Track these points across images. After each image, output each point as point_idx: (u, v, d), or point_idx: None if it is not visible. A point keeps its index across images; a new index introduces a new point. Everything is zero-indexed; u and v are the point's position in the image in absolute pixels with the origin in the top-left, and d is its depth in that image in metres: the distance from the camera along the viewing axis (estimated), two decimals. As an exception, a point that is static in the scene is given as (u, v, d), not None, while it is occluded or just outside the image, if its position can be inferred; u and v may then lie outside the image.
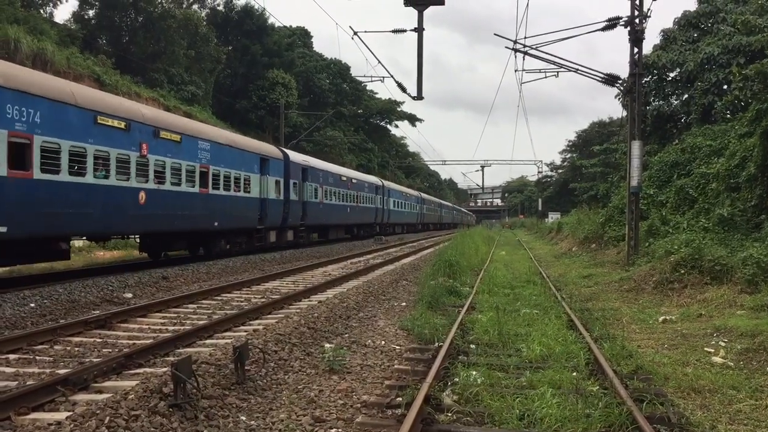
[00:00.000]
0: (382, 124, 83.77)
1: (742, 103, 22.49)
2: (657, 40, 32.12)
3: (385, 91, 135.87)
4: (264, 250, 24.64)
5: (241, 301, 12.57)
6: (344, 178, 35.45)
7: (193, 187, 18.66)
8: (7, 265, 14.98)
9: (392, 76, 21.56)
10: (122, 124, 15.25)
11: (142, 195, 16.08)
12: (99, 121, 14.41)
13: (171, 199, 17.47)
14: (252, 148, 23.61)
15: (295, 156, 28.36)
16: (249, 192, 22.52)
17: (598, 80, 21.15)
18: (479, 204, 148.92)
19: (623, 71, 22.11)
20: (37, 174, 12.53)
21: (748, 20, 22.03)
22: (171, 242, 19.87)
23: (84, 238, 17.93)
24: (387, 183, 48.31)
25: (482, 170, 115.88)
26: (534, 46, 20.95)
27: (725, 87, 25.76)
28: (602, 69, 20.36)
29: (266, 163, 24.14)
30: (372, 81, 30.37)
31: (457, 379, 6.90)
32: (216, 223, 20.15)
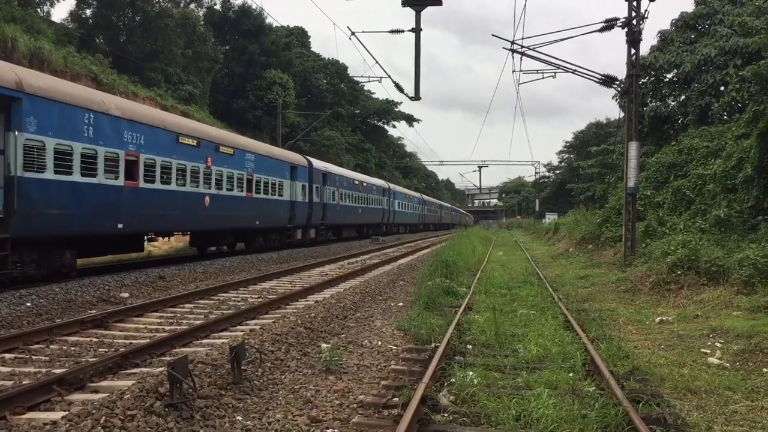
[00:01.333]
0: (380, 124, 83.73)
1: (739, 105, 22.56)
2: (654, 42, 32.19)
3: (382, 91, 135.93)
4: (291, 246, 27.99)
5: (238, 301, 12.56)
6: (356, 182, 38.94)
7: (242, 192, 22.25)
8: (116, 253, 18.54)
9: (390, 77, 21.68)
10: (194, 142, 18.90)
11: (207, 199, 19.63)
12: (180, 141, 18.06)
13: (227, 202, 20.99)
14: (284, 158, 27.29)
15: (317, 163, 31.73)
16: (282, 195, 26.23)
17: (595, 81, 21.19)
18: (477, 204, 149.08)
19: (618, 72, 22.26)
20: (141, 183, 16.11)
21: (745, 22, 22.05)
22: (223, 238, 23.24)
23: (165, 233, 20.61)
24: (392, 186, 51.53)
25: (479, 171, 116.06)
26: (532, 47, 20.99)
27: (722, 88, 25.81)
28: (597, 70, 20.43)
29: (295, 170, 27.76)
30: (369, 81, 31.01)
31: (453, 380, 6.90)
32: (257, 222, 23.80)
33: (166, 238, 23.19)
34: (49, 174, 12.94)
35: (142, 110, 17.46)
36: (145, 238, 18.84)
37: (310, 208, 29.71)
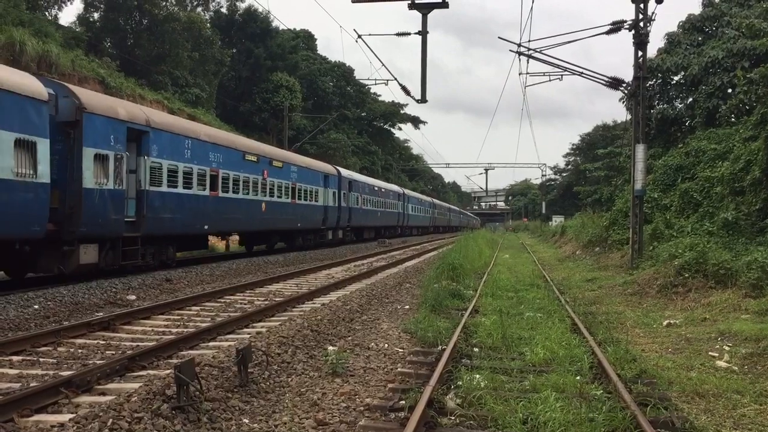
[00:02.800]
0: (386, 126, 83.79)
1: (747, 107, 22.45)
2: (661, 44, 32.10)
3: (388, 93, 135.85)
4: (323, 245, 32.04)
5: (245, 304, 12.58)
6: (376, 188, 42.91)
7: (288, 198, 26.44)
8: (196, 249, 23.22)
9: (396, 79, 21.62)
10: (255, 159, 23.01)
11: (263, 205, 23.63)
12: (245, 158, 22.20)
13: (277, 208, 25.09)
14: (319, 168, 31.54)
15: (344, 172, 36.07)
16: (317, 201, 30.32)
17: (602, 83, 21.15)
18: (483, 207, 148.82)
19: (619, 74, 22.15)
20: (220, 193, 20.18)
21: (753, 24, 21.98)
22: (271, 238, 27.26)
23: (235, 233, 24.69)
24: (407, 191, 55.65)
25: (486, 173, 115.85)
26: (538, 50, 20.98)
27: (730, 90, 25.71)
28: (597, 71, 20.37)
29: (327, 179, 32.00)
30: (376, 84, 32.45)
31: (460, 383, 6.88)
32: (299, 224, 28.10)
33: (218, 238, 26.06)
34: (164, 188, 16.99)
35: (220, 135, 22.16)
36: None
37: (338, 212, 33.76)
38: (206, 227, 19.75)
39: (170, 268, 17.62)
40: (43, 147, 12.55)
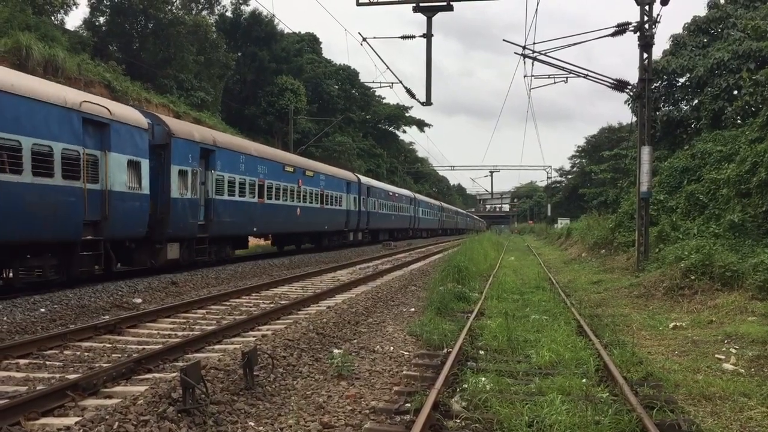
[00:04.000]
0: (391, 129, 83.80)
1: (753, 109, 22.39)
2: (667, 46, 32.05)
3: (393, 96, 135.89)
4: (345, 246, 35.60)
5: (250, 307, 12.59)
6: (391, 193, 46.15)
7: (318, 204, 29.78)
8: (244, 248, 25.46)
9: (401, 82, 21.63)
10: (292, 169, 26.55)
11: (298, 210, 27.13)
12: (284, 169, 25.70)
13: (310, 212, 28.52)
14: (342, 176, 34.86)
15: (363, 179, 39.53)
16: (341, 206, 33.74)
17: (607, 86, 21.10)
18: (488, 209, 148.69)
19: (621, 75, 22.13)
20: (265, 200, 23.53)
21: (758, 25, 21.94)
22: (302, 239, 30.85)
23: (276, 234, 28.02)
24: (417, 195, 58.36)
25: (491, 176, 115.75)
26: (542, 52, 20.96)
27: (735, 92, 25.65)
28: (602, 74, 20.26)
29: (349, 185, 35.41)
30: (381, 87, 33.24)
31: (465, 386, 6.86)
32: (326, 227, 31.47)
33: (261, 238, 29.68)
34: (225, 196, 20.34)
35: (266, 150, 25.85)
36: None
37: (359, 216, 37.04)
38: (255, 229, 23.41)
39: (228, 263, 21.16)
40: (145, 165, 16.02)
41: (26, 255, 13.01)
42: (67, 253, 13.83)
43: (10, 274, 12.92)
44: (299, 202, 27.10)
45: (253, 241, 28.26)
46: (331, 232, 32.90)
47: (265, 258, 24.13)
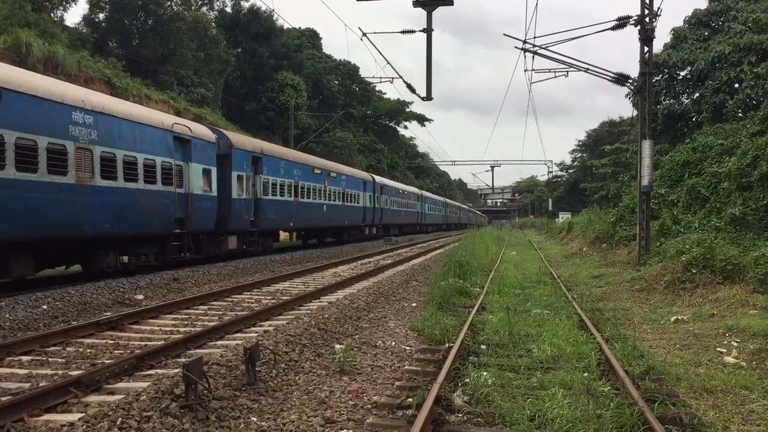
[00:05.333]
0: (391, 124, 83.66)
1: (754, 102, 22.35)
2: (667, 39, 31.99)
3: (393, 91, 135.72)
4: (362, 239, 38.94)
5: (252, 303, 12.60)
6: (400, 191, 49.42)
7: (340, 201, 33.10)
8: (277, 241, 28.43)
9: (401, 77, 21.64)
10: (320, 171, 30.09)
11: (325, 207, 30.46)
12: (314, 171, 29.16)
13: (334, 209, 31.85)
14: (359, 176, 38.62)
15: (377, 178, 43.16)
16: (359, 203, 37.20)
17: (608, 80, 21.09)
18: (489, 204, 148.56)
19: (618, 69, 22.04)
20: (300, 199, 26.94)
21: (760, 18, 21.88)
22: (325, 234, 34.08)
23: (307, 229, 31.10)
24: (424, 192, 61.76)
25: (492, 171, 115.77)
26: (543, 46, 20.93)
27: (736, 85, 25.60)
28: (603, 68, 20.31)
29: (365, 184, 38.87)
30: (381, 82, 33.81)
31: (467, 380, 6.88)
32: (346, 222, 34.76)
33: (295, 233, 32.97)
34: (269, 196, 23.75)
35: (299, 155, 29.44)
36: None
37: (373, 212, 40.51)
38: (291, 224, 27.36)
39: (272, 254, 24.36)
40: (214, 173, 19.61)
41: (136, 245, 16.44)
42: (163, 244, 17.41)
43: (125, 259, 16.26)
44: (325, 200, 30.44)
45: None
46: (350, 227, 36.21)
47: (266, 254, 24.13)
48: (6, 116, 11.65)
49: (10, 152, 11.72)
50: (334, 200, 31.96)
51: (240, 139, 22.75)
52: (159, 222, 16.75)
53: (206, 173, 19.07)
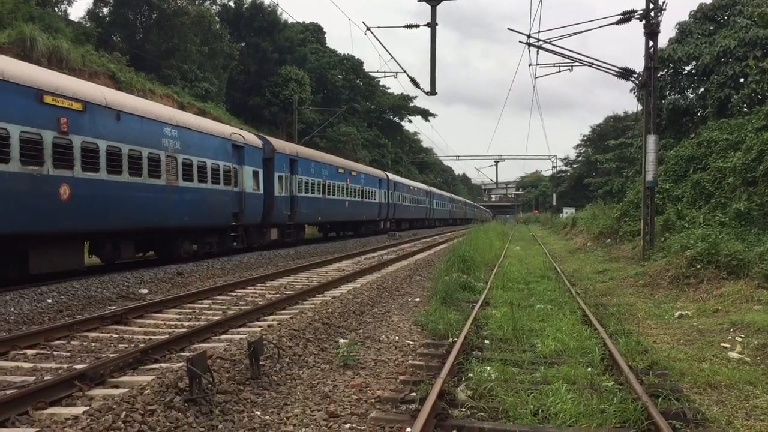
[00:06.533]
0: (395, 119, 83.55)
1: (759, 97, 22.28)
2: (672, 34, 31.87)
3: (397, 86, 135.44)
4: (377, 233, 41.46)
5: (256, 297, 12.62)
6: (411, 187, 52.48)
7: (359, 198, 36.39)
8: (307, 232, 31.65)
9: (405, 72, 21.61)
10: (343, 170, 33.20)
11: (347, 203, 33.82)
12: (338, 171, 32.46)
13: (354, 205, 35.24)
14: (375, 174, 41.86)
15: (391, 176, 46.49)
16: (375, 199, 40.56)
17: (613, 74, 21.02)
18: (493, 199, 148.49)
19: (620, 63, 21.94)
20: (327, 196, 30.26)
21: (765, 13, 21.78)
22: (345, 227, 37.50)
23: (332, 223, 34.81)
24: (432, 189, 65.17)
25: (496, 165, 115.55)
26: (548, 40, 20.87)
27: (742, 80, 25.50)
28: (607, 62, 20.19)
29: (380, 182, 41.97)
30: (385, 76, 34.69)
31: (471, 375, 6.88)
32: (364, 217, 38.15)
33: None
34: (303, 194, 27.10)
35: (326, 156, 32.53)
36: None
37: (387, 208, 43.53)
38: (320, 218, 30.46)
39: (304, 245, 27.57)
40: (260, 174, 22.97)
41: (204, 235, 19.84)
42: (222, 234, 20.80)
43: (195, 247, 19.52)
44: (347, 196, 33.80)
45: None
46: (367, 221, 39.67)
47: (271, 249, 24.16)
48: (123, 133, 14.96)
49: (125, 161, 15.03)
50: (355, 197, 35.18)
51: (281, 144, 26.45)
52: (221, 216, 20.15)
53: (255, 174, 22.42)
